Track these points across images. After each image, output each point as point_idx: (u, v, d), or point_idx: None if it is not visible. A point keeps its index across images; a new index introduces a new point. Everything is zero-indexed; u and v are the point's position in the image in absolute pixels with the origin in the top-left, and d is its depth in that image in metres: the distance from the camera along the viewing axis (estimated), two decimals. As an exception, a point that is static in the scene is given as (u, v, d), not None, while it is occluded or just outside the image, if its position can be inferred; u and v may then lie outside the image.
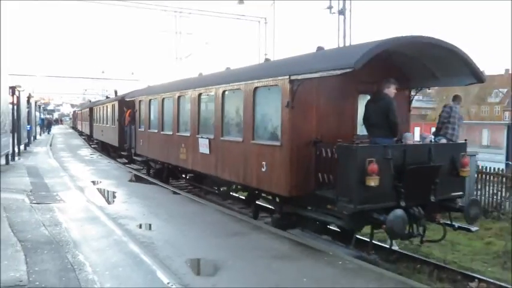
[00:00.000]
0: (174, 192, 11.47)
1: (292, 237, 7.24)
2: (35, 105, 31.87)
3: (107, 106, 23.84)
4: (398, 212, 6.10)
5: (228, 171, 9.25)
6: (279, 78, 7.47)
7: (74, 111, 68.87)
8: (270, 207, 8.92)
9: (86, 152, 24.08)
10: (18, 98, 17.92)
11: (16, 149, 17.95)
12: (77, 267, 5.23)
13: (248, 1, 24.58)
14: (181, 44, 25.68)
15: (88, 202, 9.49)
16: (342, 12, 16.25)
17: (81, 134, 43.99)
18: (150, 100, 14.34)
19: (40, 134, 39.54)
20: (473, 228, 7.82)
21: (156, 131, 13.68)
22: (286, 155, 7.32)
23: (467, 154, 7.45)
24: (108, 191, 11.41)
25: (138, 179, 13.77)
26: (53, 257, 5.59)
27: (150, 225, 7.84)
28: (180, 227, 7.71)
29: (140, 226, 7.69)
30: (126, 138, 18.14)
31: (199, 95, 10.64)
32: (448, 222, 7.42)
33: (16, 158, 17.46)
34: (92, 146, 29.10)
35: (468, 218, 7.15)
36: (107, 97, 33.36)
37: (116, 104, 20.30)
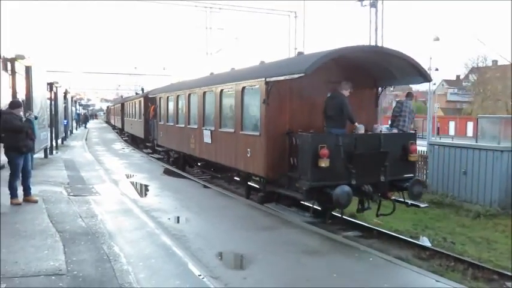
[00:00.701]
0: (205, 186, 11.63)
1: (322, 232, 7.26)
2: (71, 100, 32.77)
3: (134, 102, 26.73)
4: (344, 187, 7.47)
5: (224, 157, 10.89)
6: (258, 80, 8.99)
7: (108, 107, 70.97)
8: (258, 186, 10.13)
9: (119, 146, 24.60)
10: (55, 93, 18.46)
11: (54, 143, 18.50)
12: (112, 258, 5.41)
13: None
14: (212, 39, 25.85)
15: (122, 195, 9.70)
16: (373, 4, 15.93)
17: (113, 127, 45.94)
18: (167, 97, 16.20)
19: (76, 129, 40.45)
20: (422, 205, 9.44)
21: (172, 124, 15.52)
22: (263, 144, 8.85)
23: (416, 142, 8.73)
24: (141, 184, 11.65)
25: (169, 173, 14.02)
26: (89, 248, 5.80)
27: (181, 218, 7.99)
28: (210, 220, 7.82)
29: (172, 219, 7.84)
30: (151, 130, 20.11)
31: (204, 93, 12.25)
32: (400, 199, 8.71)
33: (54, 152, 17.88)
34: (123, 138, 30.94)
35: (411, 195, 8.39)
36: (136, 93, 35.87)
37: (142, 100, 22.94)
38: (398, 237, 9.05)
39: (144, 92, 25.74)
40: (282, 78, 8.20)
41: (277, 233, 7.01)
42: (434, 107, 42.88)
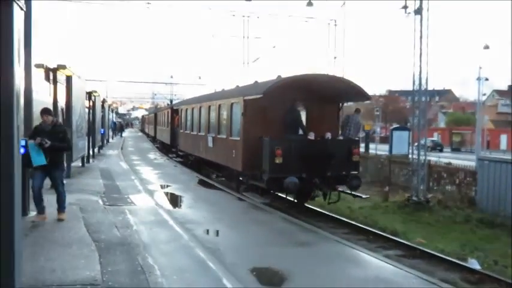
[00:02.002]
0: (239, 199, 11.68)
1: (361, 249, 7.11)
2: (108, 109, 33.59)
3: (164, 112, 31.03)
4: (292, 178, 10.45)
5: (221, 158, 13.91)
6: (240, 97, 12.29)
7: (143, 116, 72.71)
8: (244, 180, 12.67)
9: (154, 155, 25.06)
10: (93, 102, 18.94)
11: (91, 152, 18.64)
12: (147, 270, 5.43)
13: (318, 1, 24.38)
14: (249, 48, 26.05)
15: (157, 205, 9.79)
16: (418, 11, 15.58)
17: (147, 136, 47.69)
18: (186, 109, 20.05)
19: (112, 138, 40.70)
20: (364, 196, 12.43)
21: (189, 131, 18.98)
22: (241, 146, 11.89)
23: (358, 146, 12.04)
24: (175, 195, 11.81)
25: (203, 184, 14.19)
26: (124, 259, 5.85)
27: (216, 231, 8.02)
28: (245, 234, 7.81)
29: (207, 231, 7.88)
30: (176, 137, 23.43)
31: (209, 106, 15.50)
32: (347, 191, 11.53)
33: (91, 161, 18.16)
34: (156, 145, 32.96)
35: (350, 187, 11.29)
36: (171, 101, 38.32)
37: (170, 111, 26.84)
38: (445, 259, 8.95)
39: (172, 103, 30.43)
40: (251, 97, 11.51)
41: (315, 249, 6.93)
42: (483, 119, 41.26)
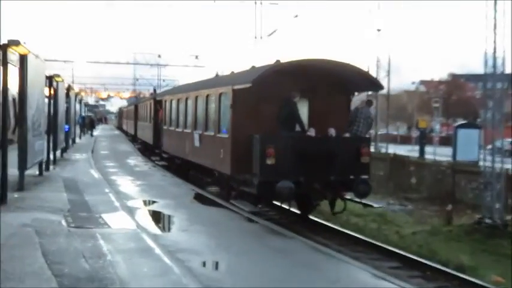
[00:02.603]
0: (249, 219, 11.64)
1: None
2: (75, 99, 33.25)
3: (145, 104, 31.59)
4: (286, 182, 11.29)
5: (208, 160, 15.23)
6: (228, 87, 13.52)
7: (120, 108, 72.93)
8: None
9: (135, 161, 25.01)
10: (55, 90, 18.56)
11: (51, 156, 18.44)
12: (125, 316, 5.35)
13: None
14: (263, 17, 25.91)
15: (138, 228, 9.76)
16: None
17: (126, 134, 48.72)
18: (171, 100, 20.72)
19: (80, 137, 40.72)
20: (376, 205, 14.21)
21: (173, 128, 19.98)
22: (230, 145, 13.09)
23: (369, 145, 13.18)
24: (164, 215, 11.78)
25: (201, 200, 14.16)
26: (94, 301, 5.74)
27: (218, 263, 7.98)
28: (259, 267, 7.74)
29: (205, 264, 7.85)
30: (159, 136, 24.18)
31: (196, 97, 16.83)
32: (355, 199, 12.98)
33: (51, 168, 17.97)
34: (137, 147, 34.02)
35: (357, 194, 12.38)
36: (154, 90, 38.69)
37: (152, 102, 27.23)
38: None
39: (156, 93, 31.02)
40: (241, 86, 12.59)
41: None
42: None
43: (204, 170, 16.23)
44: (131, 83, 67.73)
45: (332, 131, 12.84)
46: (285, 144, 11.92)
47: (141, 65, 56.39)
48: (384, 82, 41.00)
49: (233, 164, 12.80)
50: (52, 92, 18.09)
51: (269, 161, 11.55)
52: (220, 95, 14.16)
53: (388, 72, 41.39)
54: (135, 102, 42.87)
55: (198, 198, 14.37)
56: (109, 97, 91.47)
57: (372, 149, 37.56)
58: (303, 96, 13.13)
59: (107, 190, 14.36)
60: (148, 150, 29.47)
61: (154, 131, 26.00)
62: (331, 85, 13.51)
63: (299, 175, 11.74)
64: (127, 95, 76.47)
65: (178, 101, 19.57)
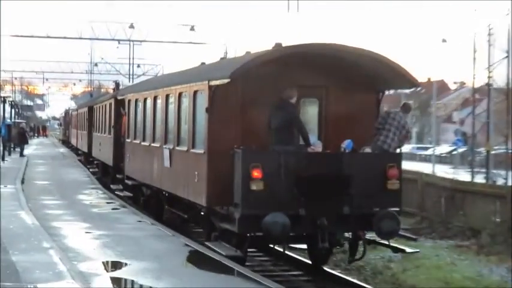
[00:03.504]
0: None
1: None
2: None
3: (104, 106, 26.43)
4: (277, 214, 10.03)
5: (179, 185, 14.00)
6: (204, 82, 11.89)
7: (67, 112, 60.11)
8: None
9: (94, 196, 21.93)
10: None
11: None
12: None
13: None
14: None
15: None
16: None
17: (77, 152, 42.26)
18: (135, 100, 18.27)
19: (2, 158, 34.61)
20: (408, 250, 12.39)
21: (138, 141, 17.52)
22: (205, 163, 11.83)
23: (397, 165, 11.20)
24: (140, 286, 10.25)
25: (199, 262, 11.95)
26: None
27: None
28: None
29: None
30: (121, 154, 20.53)
31: (167, 96, 14.98)
32: (380, 240, 11.66)
33: None
34: (91, 170, 29.84)
35: (379, 233, 11.02)
36: (117, 85, 33.63)
37: (112, 103, 23.07)
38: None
39: (119, 89, 26.76)
40: (219, 82, 10.98)
41: None
42: None
43: (184, 204, 14.18)
44: (86, 70, 59.09)
45: (347, 145, 11.34)
46: (277, 162, 10.45)
47: (103, 40, 43.91)
48: (499, 69, 36.50)
49: (210, 191, 11.23)
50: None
51: (255, 186, 10.16)
52: (195, 93, 12.40)
53: (508, 53, 34.01)
54: (89, 102, 35.78)
55: (194, 259, 12.17)
56: (48, 93, 79.48)
57: (481, 179, 35.22)
58: (311, 96, 12.04)
59: (46, 245, 12.39)
60: (112, 178, 24.44)
61: (115, 146, 22.12)
62: (352, 79, 11.87)
63: (298, 206, 10.33)
64: (79, 89, 67.66)
65: (145, 101, 17.15)
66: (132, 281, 10.30)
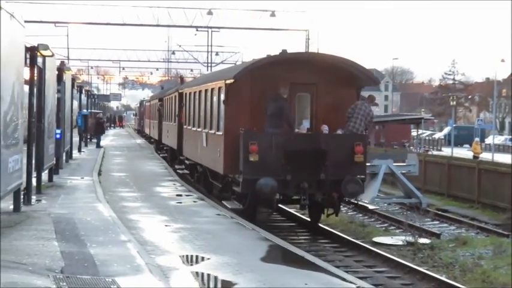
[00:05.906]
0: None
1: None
2: (73, 86, 30.52)
3: (170, 98, 33.06)
4: (268, 179, 14.87)
5: (210, 160, 20.35)
6: (221, 81, 18.28)
7: (141, 102, 62.52)
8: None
9: (172, 188, 23.06)
10: (41, 71, 17.21)
11: (34, 181, 17.17)
12: None
13: None
14: None
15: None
16: None
17: (150, 141, 45.95)
18: (189, 93, 24.32)
19: (79, 149, 36.40)
20: (371, 206, 20.53)
21: (190, 127, 23.48)
22: (223, 142, 17.85)
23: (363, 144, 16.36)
24: (219, 281, 10.98)
25: (279, 256, 12.92)
26: None
27: None
28: None
29: None
30: (182, 139, 27.09)
31: (206, 90, 21.34)
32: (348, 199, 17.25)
33: (34, 199, 16.80)
34: (161, 155, 36.30)
35: (346, 193, 15.94)
36: (181, 78, 40.46)
37: (176, 95, 29.27)
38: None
39: (183, 82, 32.92)
40: (231, 81, 16.54)
41: None
42: None
43: (219, 176, 19.32)
44: (163, 58, 59.69)
45: (325, 128, 16.25)
46: (269, 141, 15.43)
47: (180, 28, 46.69)
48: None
49: (226, 163, 16.48)
50: (35, 74, 16.38)
51: (252, 158, 15.15)
52: (219, 89, 17.72)
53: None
54: (160, 94, 39.50)
55: (275, 253, 13.17)
56: (126, 83, 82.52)
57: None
58: (304, 91, 17.06)
59: (124, 238, 13.28)
60: (176, 159, 30.73)
61: (179, 132, 28.12)
62: (336, 78, 17.00)
63: (285, 173, 15.23)
64: (156, 78, 69.68)
65: (194, 94, 23.19)
66: (211, 276, 11.25)
